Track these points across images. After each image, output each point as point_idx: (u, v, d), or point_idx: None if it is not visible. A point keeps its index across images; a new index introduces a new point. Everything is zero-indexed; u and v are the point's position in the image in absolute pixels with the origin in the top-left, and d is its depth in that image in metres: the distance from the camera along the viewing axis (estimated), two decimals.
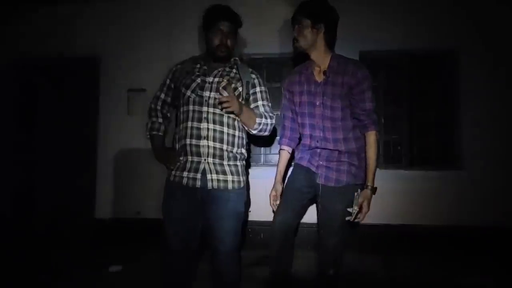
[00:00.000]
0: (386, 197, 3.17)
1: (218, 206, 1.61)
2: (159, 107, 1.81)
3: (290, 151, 2.03)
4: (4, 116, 3.69)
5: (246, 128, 1.69)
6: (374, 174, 1.74)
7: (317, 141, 1.80)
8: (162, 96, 1.81)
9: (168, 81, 1.80)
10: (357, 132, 1.80)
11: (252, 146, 3.40)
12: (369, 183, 1.73)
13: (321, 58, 1.81)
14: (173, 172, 1.67)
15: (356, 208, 1.69)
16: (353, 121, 1.78)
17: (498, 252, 2.96)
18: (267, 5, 3.39)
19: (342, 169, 1.76)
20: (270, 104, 1.77)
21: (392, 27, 3.27)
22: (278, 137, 2.05)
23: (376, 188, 1.75)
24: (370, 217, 3.13)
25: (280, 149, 2.03)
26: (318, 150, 1.81)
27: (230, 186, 1.63)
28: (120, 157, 3.50)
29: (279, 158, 2.03)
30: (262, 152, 3.45)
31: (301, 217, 1.97)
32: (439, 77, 3.32)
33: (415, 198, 3.15)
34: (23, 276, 2.58)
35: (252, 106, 1.72)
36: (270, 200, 1.98)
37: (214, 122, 1.61)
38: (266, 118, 1.69)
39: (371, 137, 1.76)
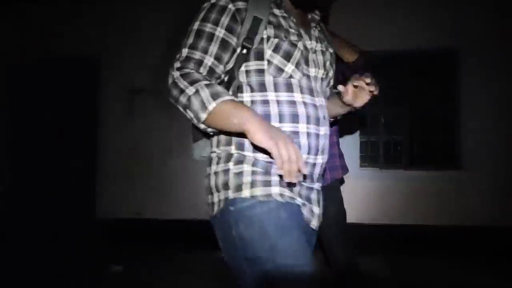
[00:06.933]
0: (386, 197, 3.19)
1: None
2: None
3: None
4: (4, 115, 3.69)
5: None
6: None
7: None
8: None
9: None
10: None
11: None
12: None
13: None
14: None
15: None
16: None
17: (498, 252, 2.97)
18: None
19: (336, 165, 1.61)
20: None
21: (392, 27, 3.27)
22: None
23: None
24: (371, 217, 3.19)
25: None
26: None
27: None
28: (120, 157, 3.50)
29: None
30: None
31: None
32: (439, 77, 3.32)
33: (415, 198, 3.15)
34: (23, 275, 2.58)
35: None
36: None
37: None
38: None
39: None
